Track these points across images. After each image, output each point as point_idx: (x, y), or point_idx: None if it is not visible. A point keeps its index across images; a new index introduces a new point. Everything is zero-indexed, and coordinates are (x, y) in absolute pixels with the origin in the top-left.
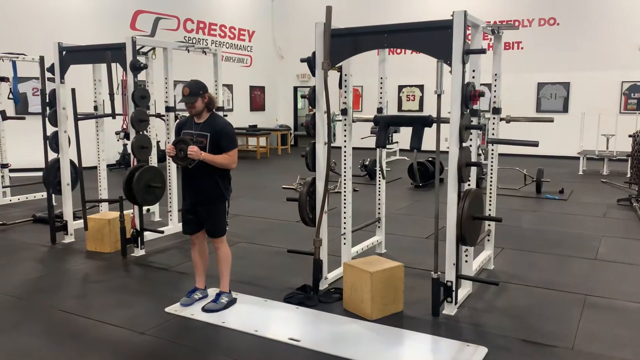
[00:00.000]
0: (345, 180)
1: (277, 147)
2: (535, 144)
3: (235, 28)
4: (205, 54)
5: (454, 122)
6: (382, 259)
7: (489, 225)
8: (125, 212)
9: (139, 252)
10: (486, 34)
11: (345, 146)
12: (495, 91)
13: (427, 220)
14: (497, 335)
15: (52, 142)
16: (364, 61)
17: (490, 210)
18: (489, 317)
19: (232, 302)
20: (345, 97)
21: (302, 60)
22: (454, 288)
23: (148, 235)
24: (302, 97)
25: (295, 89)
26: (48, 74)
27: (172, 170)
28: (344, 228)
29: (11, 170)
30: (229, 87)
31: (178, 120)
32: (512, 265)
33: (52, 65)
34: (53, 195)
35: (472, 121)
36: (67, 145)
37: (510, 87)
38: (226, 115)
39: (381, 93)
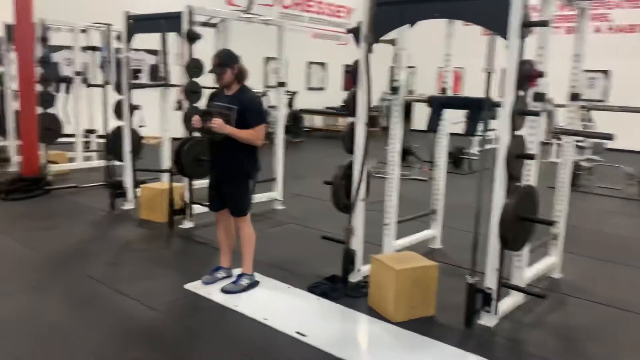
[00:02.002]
0: (391, 166)
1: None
2: (608, 137)
3: (333, 5)
4: (267, 25)
5: (505, 106)
6: (417, 255)
7: (557, 227)
8: (178, 183)
9: (187, 224)
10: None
11: (393, 128)
12: (575, 74)
13: None
14: (536, 357)
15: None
16: (464, 42)
17: (559, 212)
18: (533, 333)
19: (253, 285)
20: (398, 74)
21: (349, 31)
22: (494, 296)
23: (200, 209)
24: (347, 72)
25: (392, 69)
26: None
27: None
28: (387, 218)
29: (99, 137)
30: (323, 65)
31: (212, 91)
32: (582, 275)
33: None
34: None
35: (529, 106)
36: (129, 114)
37: (625, 74)
38: (293, 93)
39: (446, 72)
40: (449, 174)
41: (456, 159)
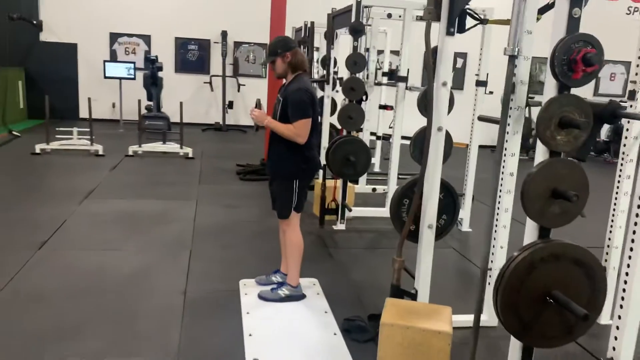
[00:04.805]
0: (500, 196)
1: None
2: None
3: None
4: None
5: (541, 111)
6: (446, 314)
7: None
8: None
9: (339, 226)
10: None
11: (508, 141)
12: None
13: None
14: None
15: None
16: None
17: None
18: None
19: (295, 297)
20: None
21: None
22: None
23: (362, 212)
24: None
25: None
26: None
27: (395, 147)
28: (491, 261)
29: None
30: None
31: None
32: None
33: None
34: None
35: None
36: (329, 110)
37: None
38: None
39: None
40: None
41: None
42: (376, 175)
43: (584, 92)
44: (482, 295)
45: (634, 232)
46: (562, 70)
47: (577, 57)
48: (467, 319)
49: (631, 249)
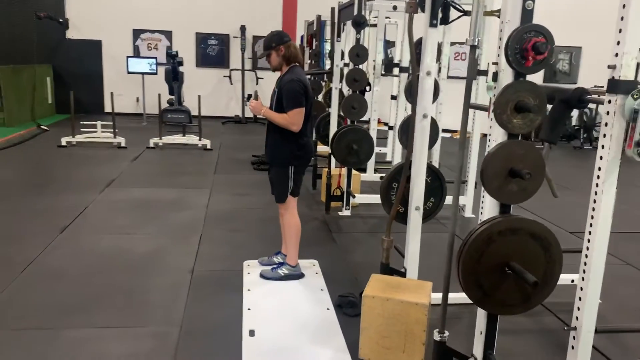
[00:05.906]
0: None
1: None
2: None
3: None
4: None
5: (497, 97)
6: (424, 288)
7: None
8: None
9: (344, 212)
10: None
11: (490, 128)
12: None
13: None
14: None
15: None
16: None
17: None
18: None
19: (294, 276)
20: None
21: None
22: None
23: (365, 199)
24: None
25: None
26: None
27: (391, 133)
28: None
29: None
30: None
31: None
32: None
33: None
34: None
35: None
36: (337, 101)
37: None
38: None
39: None
40: None
41: None
42: (387, 164)
43: (594, 80)
44: (449, 266)
45: (593, 209)
46: (516, 59)
47: (527, 45)
48: (454, 297)
49: (590, 225)
